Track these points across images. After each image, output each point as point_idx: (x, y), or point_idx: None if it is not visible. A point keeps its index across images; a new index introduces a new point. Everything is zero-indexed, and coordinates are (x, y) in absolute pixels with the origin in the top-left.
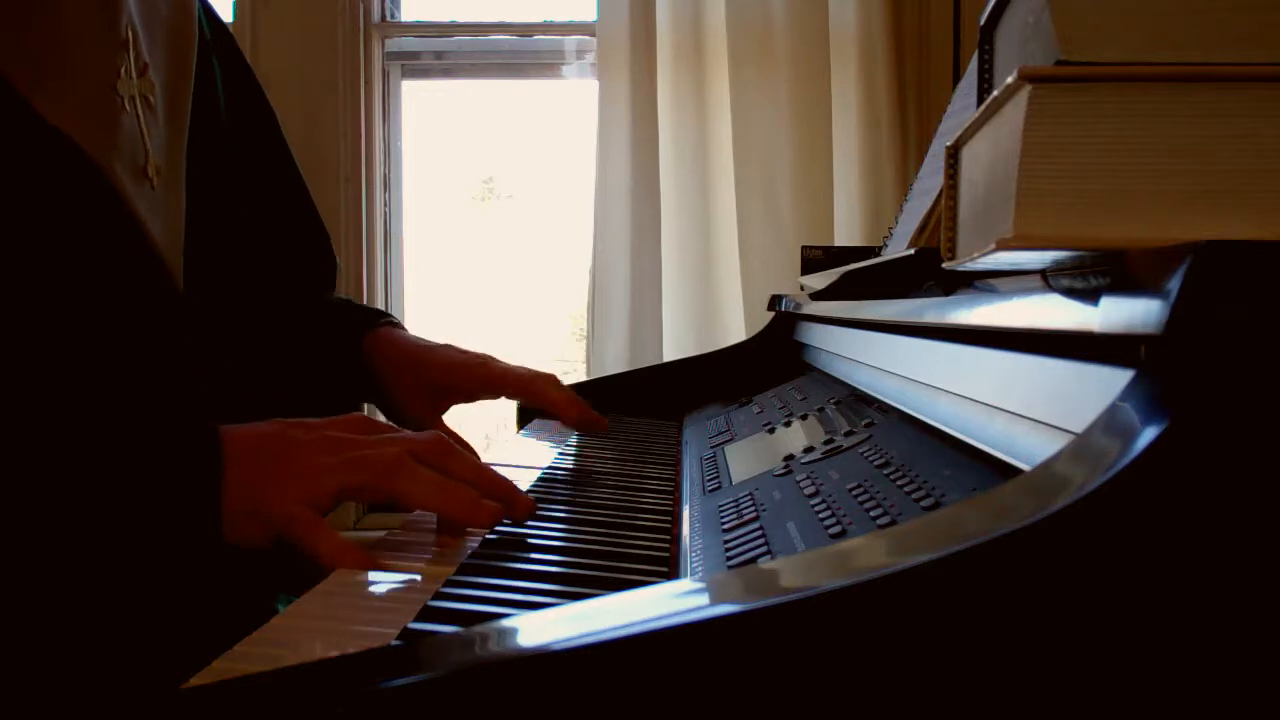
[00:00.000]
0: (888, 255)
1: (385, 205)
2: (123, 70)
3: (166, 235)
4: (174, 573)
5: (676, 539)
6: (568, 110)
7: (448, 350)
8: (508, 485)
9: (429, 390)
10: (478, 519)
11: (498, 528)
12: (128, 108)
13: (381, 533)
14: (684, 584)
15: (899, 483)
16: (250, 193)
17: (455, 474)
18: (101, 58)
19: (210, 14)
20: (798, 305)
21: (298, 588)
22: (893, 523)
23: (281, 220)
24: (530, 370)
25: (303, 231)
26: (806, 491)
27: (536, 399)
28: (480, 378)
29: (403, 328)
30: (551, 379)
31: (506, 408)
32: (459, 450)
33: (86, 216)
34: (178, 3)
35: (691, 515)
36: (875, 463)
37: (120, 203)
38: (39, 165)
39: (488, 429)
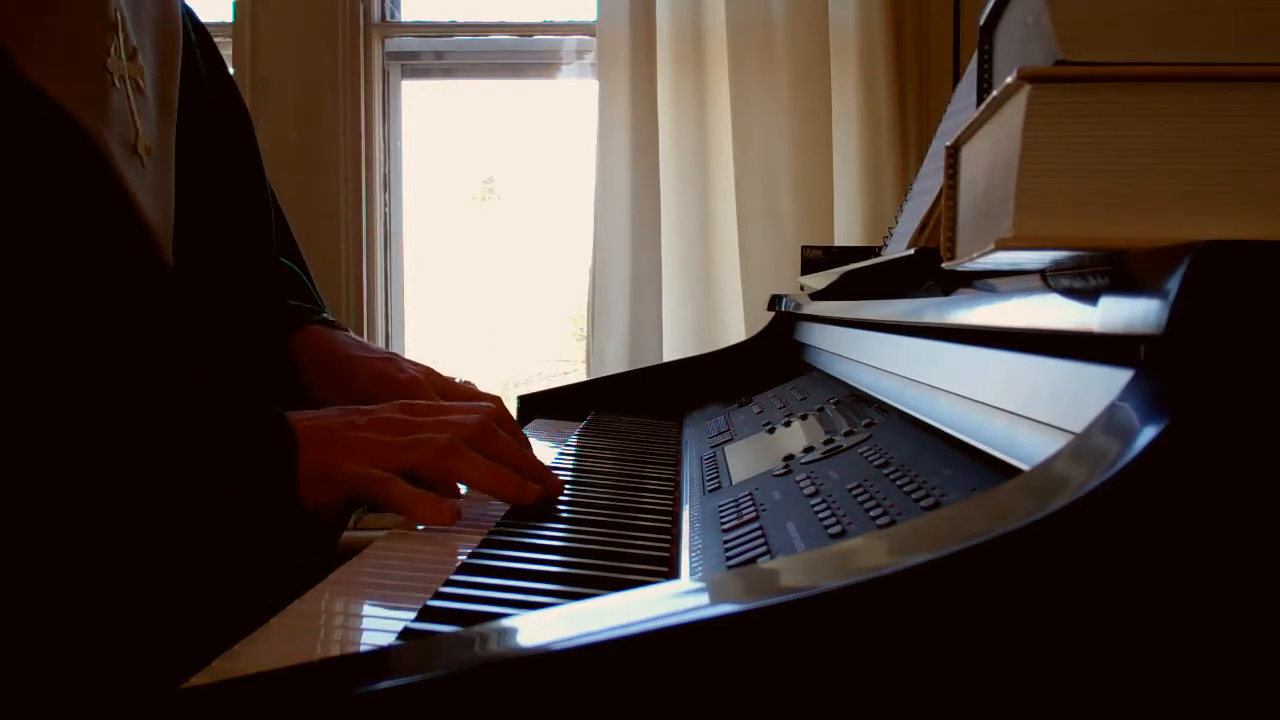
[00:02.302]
0: (888, 255)
1: (385, 205)
2: (112, 50)
3: (156, 211)
4: (255, 544)
5: (676, 539)
6: (567, 110)
7: (380, 362)
8: (543, 467)
9: (353, 400)
10: (523, 498)
11: (498, 527)
12: (118, 85)
13: (382, 532)
14: (684, 584)
15: (899, 483)
16: (228, 189)
17: (500, 457)
18: (91, 35)
19: (194, 19)
20: (798, 305)
21: (296, 590)
22: (893, 523)
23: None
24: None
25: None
26: (806, 491)
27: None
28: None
29: (340, 327)
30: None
31: (508, 404)
32: (504, 435)
33: (78, 185)
34: (162, 1)
35: (691, 515)
36: (875, 463)
37: (111, 173)
38: (33, 132)
39: None
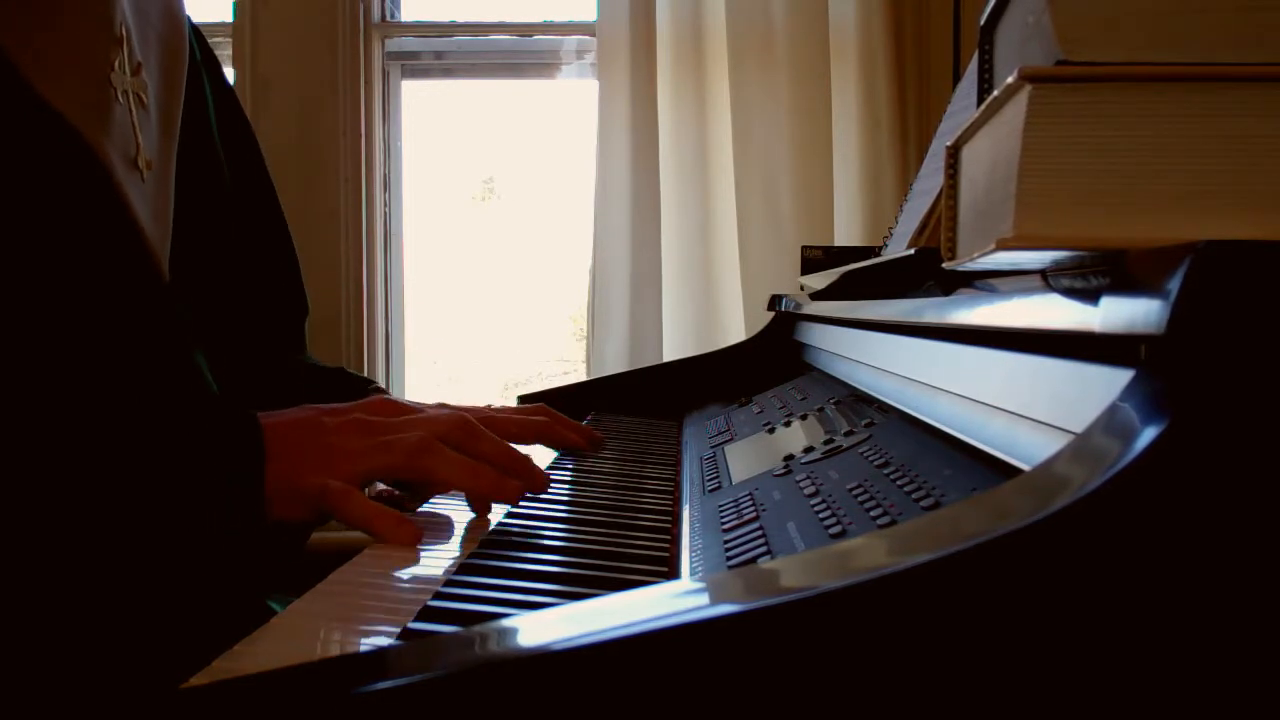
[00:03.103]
0: (888, 255)
1: (385, 205)
2: (116, 64)
3: (154, 226)
4: (220, 554)
5: (676, 539)
6: (568, 110)
7: (443, 407)
8: (526, 462)
9: None
10: (502, 495)
11: (497, 527)
12: (121, 100)
13: None
14: (684, 584)
15: (899, 483)
16: (236, 213)
17: (478, 453)
18: (96, 48)
19: (201, 39)
20: (798, 305)
21: (294, 589)
22: (893, 523)
23: (260, 255)
24: (529, 419)
25: (279, 272)
26: (806, 491)
27: (544, 443)
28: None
29: (390, 395)
30: (548, 423)
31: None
32: (481, 430)
33: (78, 197)
34: (169, 17)
35: (691, 515)
36: (875, 463)
37: (111, 186)
38: (35, 143)
39: None
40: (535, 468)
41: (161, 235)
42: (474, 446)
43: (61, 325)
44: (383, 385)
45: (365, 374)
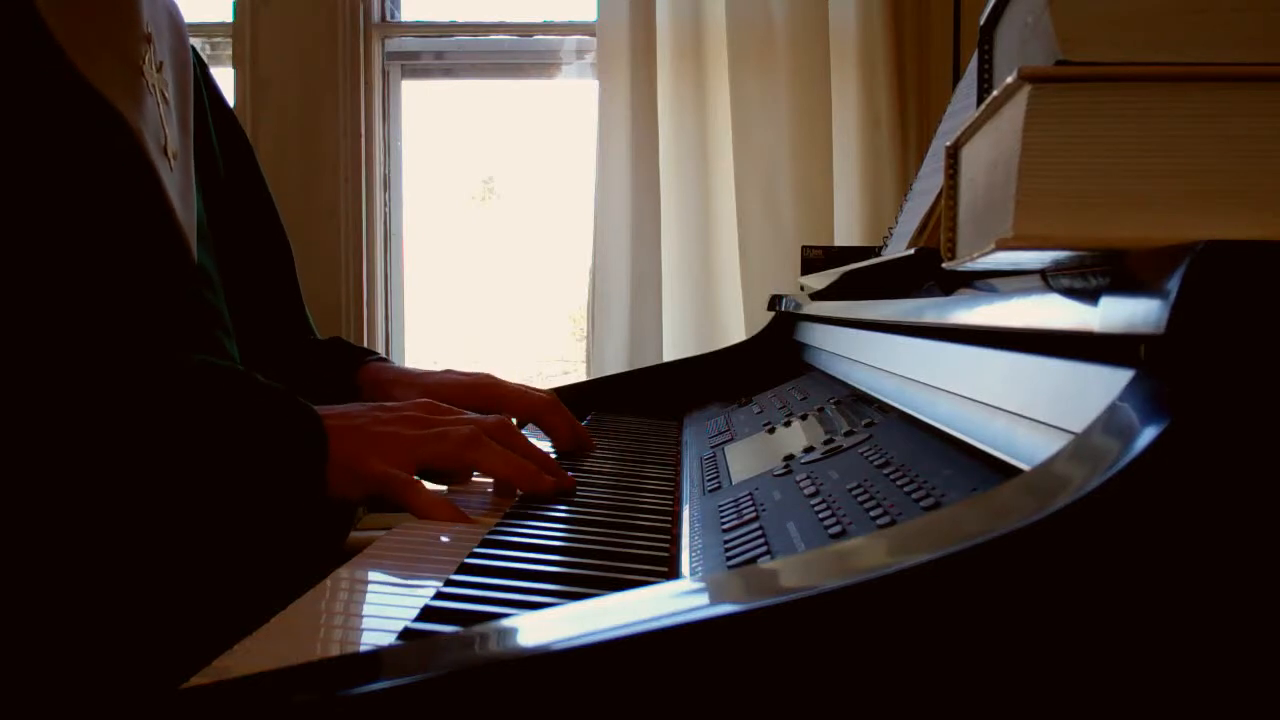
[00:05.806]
0: (888, 255)
1: (385, 205)
2: (146, 58)
3: (183, 211)
4: (279, 526)
5: (676, 539)
6: (568, 110)
7: (450, 373)
8: (555, 463)
9: None
10: (539, 487)
11: (498, 527)
12: (151, 91)
13: (382, 532)
14: (684, 584)
15: (899, 483)
16: (233, 205)
17: (518, 450)
18: (130, 42)
19: (197, 55)
20: (798, 305)
21: (294, 589)
22: (893, 523)
23: (256, 246)
24: (533, 392)
25: (274, 262)
26: (806, 491)
27: (537, 423)
28: (485, 396)
29: (392, 363)
30: (552, 403)
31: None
32: (520, 431)
33: (120, 174)
34: (173, 24)
35: (691, 515)
36: (875, 463)
37: (150, 169)
38: (82, 121)
39: None
40: (564, 471)
41: (188, 220)
42: (515, 443)
43: (103, 299)
44: (383, 354)
45: None
